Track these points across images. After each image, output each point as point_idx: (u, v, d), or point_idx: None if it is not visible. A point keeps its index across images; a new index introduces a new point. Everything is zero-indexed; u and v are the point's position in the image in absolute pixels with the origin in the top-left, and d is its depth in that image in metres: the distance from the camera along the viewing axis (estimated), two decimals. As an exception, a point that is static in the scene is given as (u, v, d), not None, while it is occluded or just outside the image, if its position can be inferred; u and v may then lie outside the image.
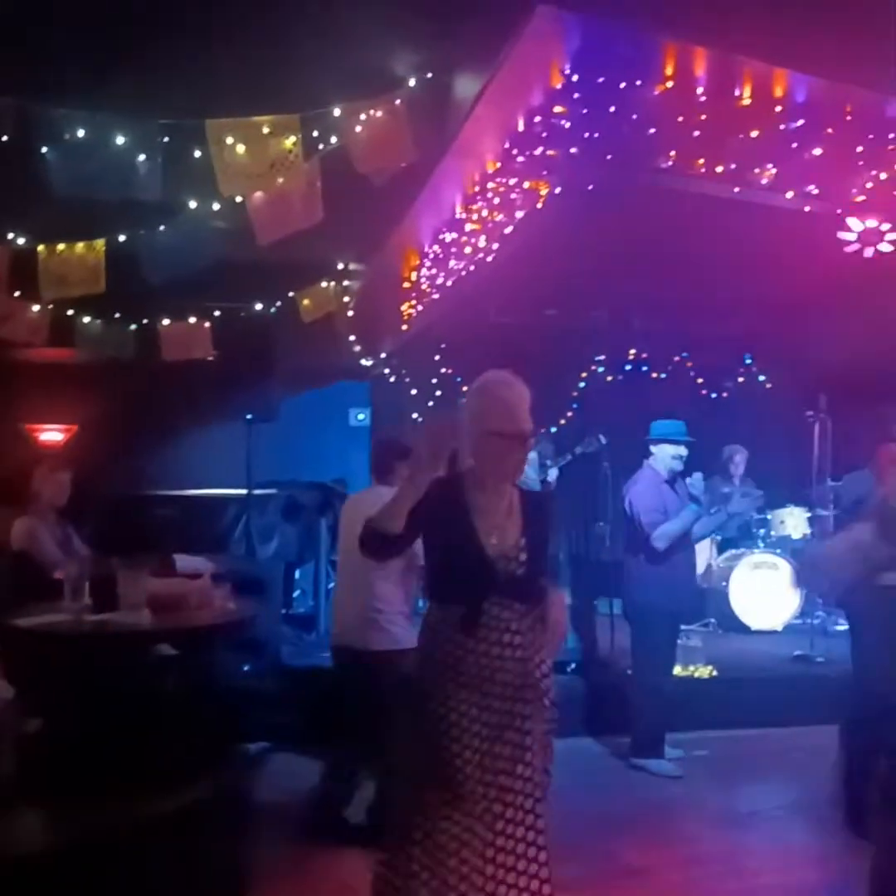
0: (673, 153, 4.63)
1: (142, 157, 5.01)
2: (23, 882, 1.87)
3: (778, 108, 4.65)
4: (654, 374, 10.32)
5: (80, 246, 6.74)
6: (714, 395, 10.40)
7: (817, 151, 4.79)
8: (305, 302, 8.84)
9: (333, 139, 5.32)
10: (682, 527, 5.44)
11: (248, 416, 7.23)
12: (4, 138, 4.79)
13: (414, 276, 8.12)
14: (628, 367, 10.30)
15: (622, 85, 4.44)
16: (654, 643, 5.57)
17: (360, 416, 10.48)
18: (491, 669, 2.88)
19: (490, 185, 5.67)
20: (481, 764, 2.79)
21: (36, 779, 2.22)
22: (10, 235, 6.94)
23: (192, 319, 8.95)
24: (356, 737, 4.37)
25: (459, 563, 2.97)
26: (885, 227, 6.41)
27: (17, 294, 7.82)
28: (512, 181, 5.30)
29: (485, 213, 5.87)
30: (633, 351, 10.23)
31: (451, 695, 2.86)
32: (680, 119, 4.57)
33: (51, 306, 8.07)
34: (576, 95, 4.47)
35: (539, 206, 5.03)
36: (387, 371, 10.19)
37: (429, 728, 2.86)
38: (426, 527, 3.00)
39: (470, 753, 2.80)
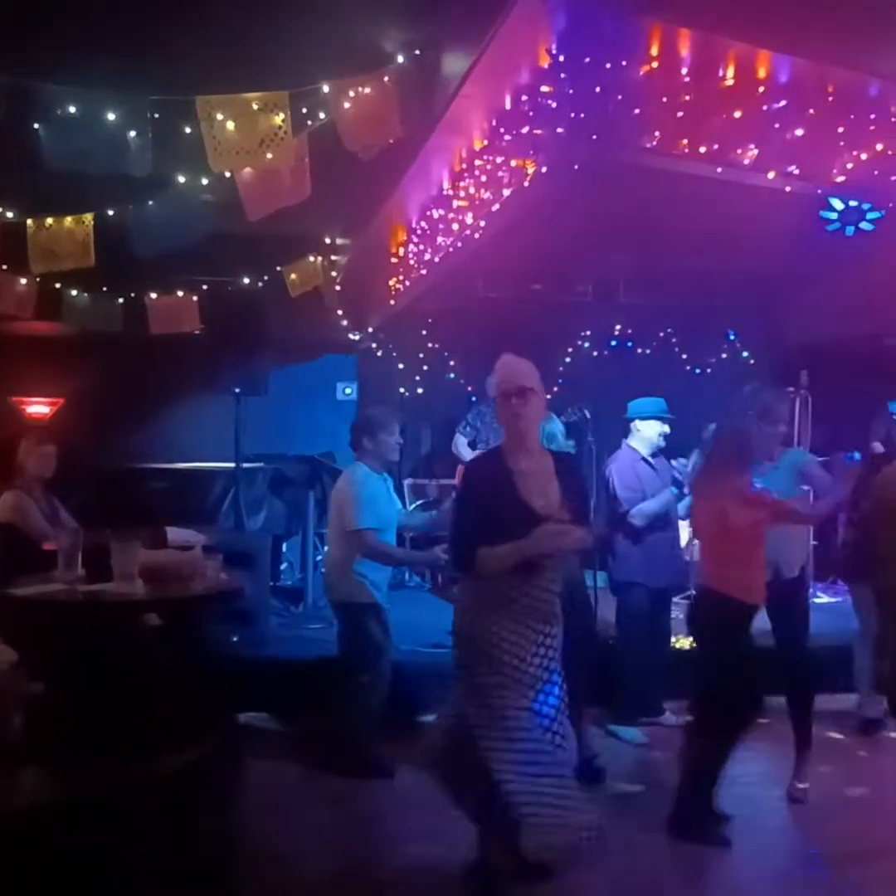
0: (657, 133, 4.68)
1: (132, 133, 5.04)
2: (23, 834, 1.99)
3: (761, 89, 4.71)
4: (639, 350, 10.36)
5: (68, 220, 6.74)
6: (697, 372, 10.46)
7: (799, 132, 4.85)
8: (293, 276, 8.86)
9: (322, 115, 5.34)
10: (658, 507, 5.63)
11: (237, 390, 7.27)
12: (-4, 114, 4.82)
13: (401, 251, 8.16)
14: (614, 343, 10.32)
15: (608, 65, 4.48)
16: (635, 617, 5.78)
17: (348, 391, 10.53)
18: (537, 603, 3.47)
19: (477, 162, 5.71)
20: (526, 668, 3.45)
21: (36, 739, 2.31)
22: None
23: (180, 293, 8.99)
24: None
25: (512, 526, 3.36)
26: (866, 206, 6.51)
27: (3, 267, 7.83)
28: (499, 159, 5.35)
29: (472, 190, 5.91)
30: (618, 326, 10.27)
31: (505, 627, 3.43)
32: (664, 99, 4.61)
33: (38, 279, 8.08)
34: (562, 75, 4.50)
35: (526, 184, 5.07)
36: (374, 345, 10.22)
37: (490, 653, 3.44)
38: (480, 503, 3.47)
39: (518, 661, 3.44)
